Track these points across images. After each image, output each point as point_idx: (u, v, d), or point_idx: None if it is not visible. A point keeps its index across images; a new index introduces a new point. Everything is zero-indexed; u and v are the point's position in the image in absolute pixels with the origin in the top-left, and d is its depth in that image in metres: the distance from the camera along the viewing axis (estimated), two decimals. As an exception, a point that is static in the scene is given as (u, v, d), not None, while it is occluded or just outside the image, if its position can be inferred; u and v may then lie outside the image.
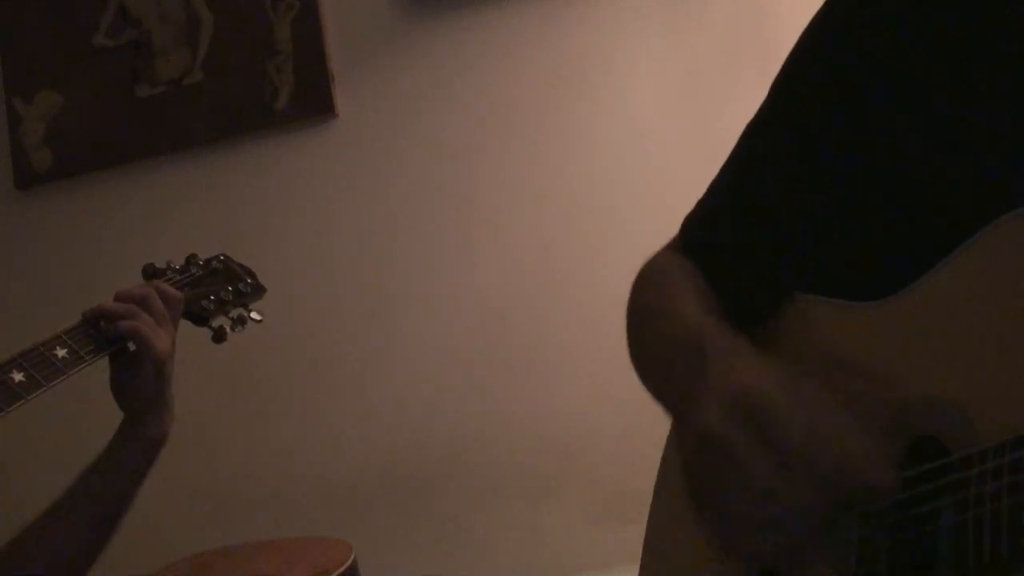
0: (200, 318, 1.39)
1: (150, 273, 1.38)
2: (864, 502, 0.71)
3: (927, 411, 0.70)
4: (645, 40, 2.24)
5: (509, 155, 2.29)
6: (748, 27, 2.18)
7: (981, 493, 0.63)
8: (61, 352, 1.17)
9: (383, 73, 2.36)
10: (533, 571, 2.16)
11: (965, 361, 0.68)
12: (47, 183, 2.49)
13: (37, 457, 2.28)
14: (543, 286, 2.24)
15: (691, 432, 0.77)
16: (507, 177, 2.29)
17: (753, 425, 0.71)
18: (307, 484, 2.30)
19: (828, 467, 0.69)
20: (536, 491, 2.20)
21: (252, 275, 1.50)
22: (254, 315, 1.46)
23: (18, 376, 1.11)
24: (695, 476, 0.78)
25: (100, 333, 1.23)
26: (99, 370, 1.25)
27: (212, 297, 1.41)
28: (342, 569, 1.68)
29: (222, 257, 1.49)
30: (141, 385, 1.25)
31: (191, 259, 1.46)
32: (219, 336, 1.41)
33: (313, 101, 2.35)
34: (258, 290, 1.50)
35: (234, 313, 1.44)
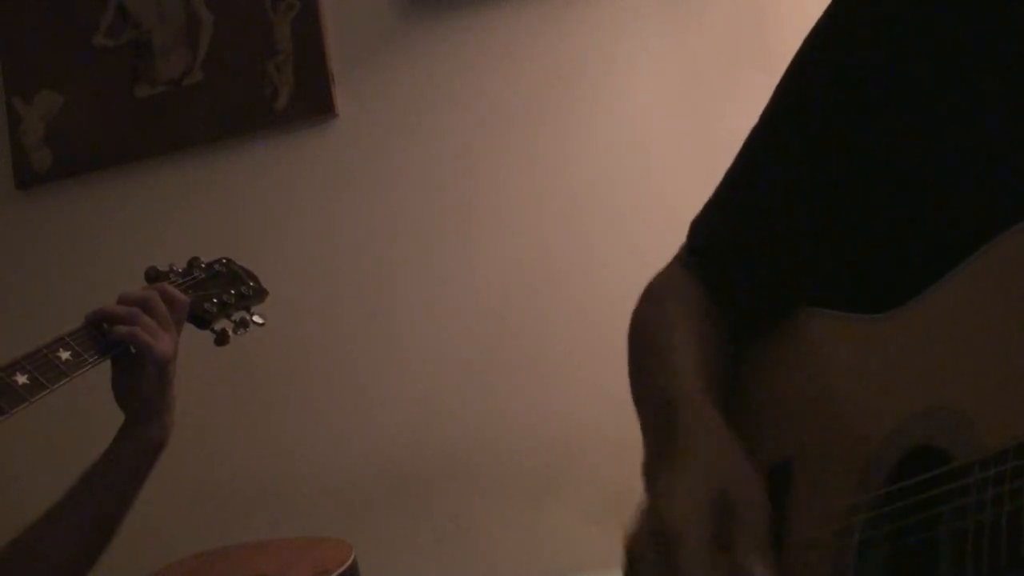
0: (203, 321, 1.40)
1: (153, 276, 1.38)
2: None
3: (931, 421, 0.70)
4: (645, 40, 2.24)
5: (509, 155, 2.29)
6: (748, 27, 2.18)
7: (982, 499, 0.63)
8: (64, 354, 1.17)
9: (383, 73, 2.35)
10: (533, 571, 2.17)
11: (971, 372, 0.69)
12: (47, 183, 2.48)
13: (38, 458, 2.28)
14: (543, 286, 2.24)
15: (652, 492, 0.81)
16: (507, 177, 2.28)
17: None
18: (307, 484, 2.30)
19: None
20: (536, 491, 2.20)
21: (254, 278, 1.51)
22: (256, 318, 1.46)
23: (21, 379, 1.11)
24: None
25: (103, 336, 1.23)
26: (100, 372, 1.25)
27: (215, 300, 1.41)
28: (342, 569, 1.68)
29: (224, 260, 1.50)
30: (142, 387, 1.25)
31: (194, 262, 1.46)
32: (221, 339, 1.41)
33: (313, 101, 2.35)
34: (260, 293, 1.50)
35: (236, 316, 1.44)
